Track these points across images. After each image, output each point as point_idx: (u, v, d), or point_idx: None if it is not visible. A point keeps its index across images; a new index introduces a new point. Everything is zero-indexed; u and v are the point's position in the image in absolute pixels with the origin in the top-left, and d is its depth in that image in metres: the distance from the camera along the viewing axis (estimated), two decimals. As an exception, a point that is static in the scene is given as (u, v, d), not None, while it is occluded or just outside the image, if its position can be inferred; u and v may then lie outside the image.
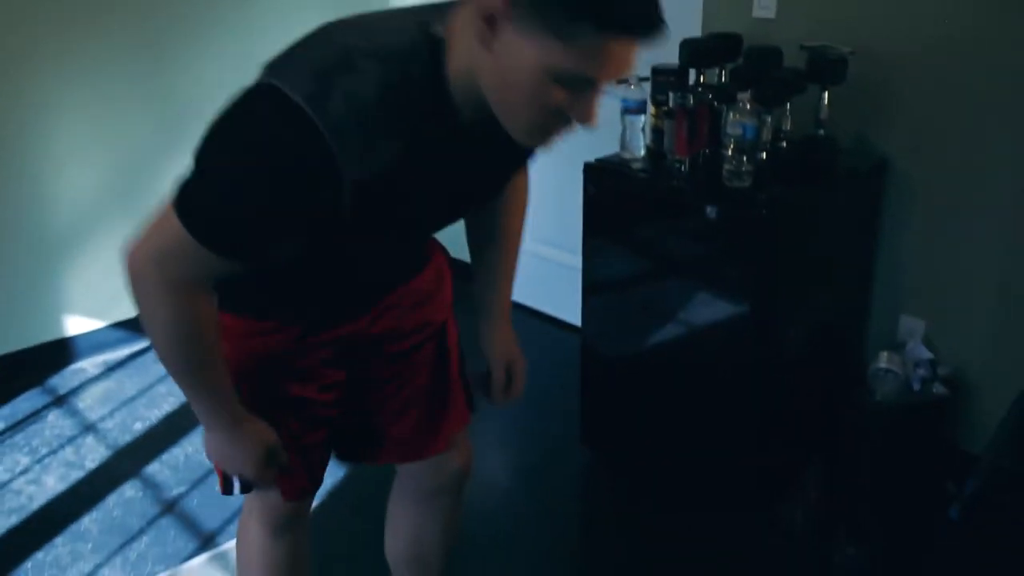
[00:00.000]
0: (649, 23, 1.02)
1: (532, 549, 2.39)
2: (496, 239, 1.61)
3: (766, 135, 2.39)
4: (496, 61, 1.06)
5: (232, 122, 1.12)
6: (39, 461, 2.69)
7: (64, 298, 3.18)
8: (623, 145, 2.53)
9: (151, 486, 2.59)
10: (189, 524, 2.45)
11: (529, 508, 2.54)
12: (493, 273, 1.62)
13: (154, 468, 2.66)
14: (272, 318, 1.44)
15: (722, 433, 2.38)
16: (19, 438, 2.79)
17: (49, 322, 3.17)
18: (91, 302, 3.23)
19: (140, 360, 3.23)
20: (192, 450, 2.72)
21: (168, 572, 2.28)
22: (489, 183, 1.42)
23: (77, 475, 2.63)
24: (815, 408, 2.49)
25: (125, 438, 2.81)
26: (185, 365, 1.28)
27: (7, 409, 2.93)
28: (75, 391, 3.05)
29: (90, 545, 2.37)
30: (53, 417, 2.90)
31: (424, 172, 1.17)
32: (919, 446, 2.33)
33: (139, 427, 2.86)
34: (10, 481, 2.60)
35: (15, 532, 2.42)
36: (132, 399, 3.00)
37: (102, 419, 2.90)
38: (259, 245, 1.15)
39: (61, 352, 3.20)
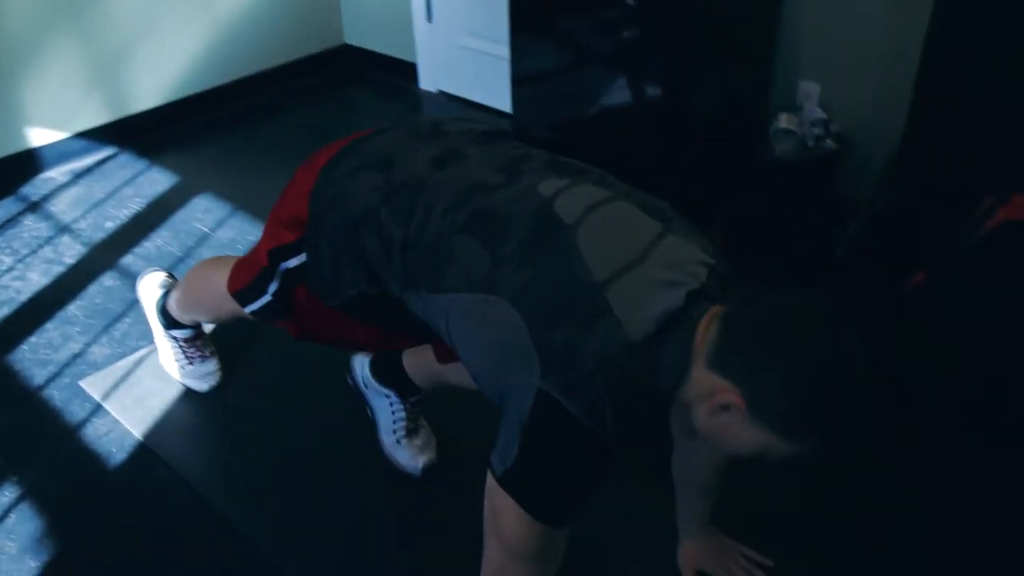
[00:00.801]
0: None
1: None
2: (692, 492, 1.77)
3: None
4: (715, 422, 1.23)
5: (542, 452, 1.28)
6: (21, 260, 2.90)
7: (25, 111, 3.29)
8: (541, -72, 2.64)
9: (127, 275, 2.81)
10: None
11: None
12: (688, 513, 1.80)
13: (128, 260, 2.88)
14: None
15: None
16: None
17: (13, 135, 3.29)
18: (52, 114, 3.35)
19: (105, 167, 3.41)
20: (161, 242, 2.95)
21: (149, 346, 2.54)
22: None
23: (58, 270, 2.86)
24: (722, 168, 2.73)
25: (99, 235, 3.02)
26: None
27: (-17, 217, 3.12)
28: (47, 197, 3.23)
29: (78, 328, 2.62)
30: (29, 221, 3.10)
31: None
32: (812, 196, 2.58)
33: (110, 225, 3.07)
34: (-3, 279, 2.84)
35: (8, 321, 2.66)
36: (101, 201, 3.20)
37: (75, 220, 3.10)
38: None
39: (29, 163, 3.35)
